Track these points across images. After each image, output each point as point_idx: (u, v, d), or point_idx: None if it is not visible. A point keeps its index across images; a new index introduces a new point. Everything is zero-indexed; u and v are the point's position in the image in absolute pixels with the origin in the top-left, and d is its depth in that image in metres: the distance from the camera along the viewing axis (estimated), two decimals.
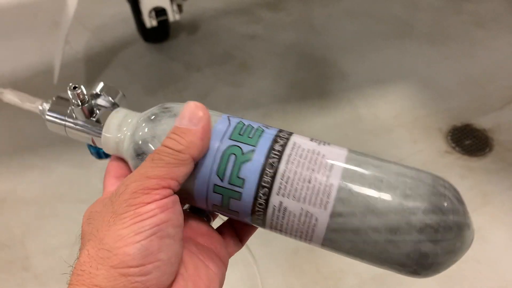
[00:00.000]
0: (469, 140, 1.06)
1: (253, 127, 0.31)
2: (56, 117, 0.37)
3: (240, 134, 0.30)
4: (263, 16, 1.41)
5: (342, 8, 1.43)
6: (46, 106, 0.37)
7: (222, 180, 0.29)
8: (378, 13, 1.40)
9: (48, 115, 0.37)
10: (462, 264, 0.84)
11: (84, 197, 0.98)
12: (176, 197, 0.27)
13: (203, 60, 1.28)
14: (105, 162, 1.01)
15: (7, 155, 1.07)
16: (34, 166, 1.04)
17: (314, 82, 1.21)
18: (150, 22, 1.16)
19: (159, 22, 1.19)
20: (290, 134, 0.32)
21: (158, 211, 0.26)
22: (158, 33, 1.29)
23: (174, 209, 0.27)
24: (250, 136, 0.30)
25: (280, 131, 0.32)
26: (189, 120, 0.29)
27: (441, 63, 1.23)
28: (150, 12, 1.14)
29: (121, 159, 0.34)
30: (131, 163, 0.32)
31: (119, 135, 0.33)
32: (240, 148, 0.30)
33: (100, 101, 0.37)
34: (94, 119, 0.36)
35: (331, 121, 1.10)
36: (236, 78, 1.23)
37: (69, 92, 0.35)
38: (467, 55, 1.25)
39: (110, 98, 0.37)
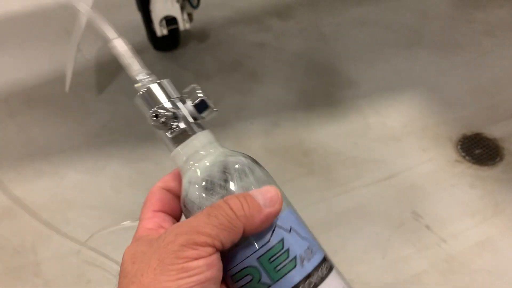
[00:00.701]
0: (479, 149, 1.05)
1: (288, 256, 0.30)
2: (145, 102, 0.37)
3: (269, 261, 0.30)
4: (272, 24, 1.42)
5: (351, 17, 1.44)
6: (145, 83, 0.37)
7: (234, 282, 0.30)
8: (387, 21, 1.40)
9: (140, 94, 0.37)
10: (473, 274, 0.84)
11: (95, 204, 0.98)
12: (219, 255, 0.28)
13: (212, 68, 1.29)
14: (116, 168, 1.00)
15: (19, 161, 1.08)
16: (45, 173, 1.05)
17: (323, 90, 1.21)
18: (161, 30, 1.18)
19: (169, 31, 1.20)
20: (323, 279, 0.31)
21: (205, 269, 0.26)
22: (168, 41, 1.30)
23: (218, 267, 0.28)
24: (277, 267, 0.30)
25: (314, 272, 0.30)
26: (264, 198, 0.30)
27: (450, 71, 1.23)
28: (161, 21, 1.16)
29: (164, 190, 0.35)
30: (190, 187, 0.32)
31: (202, 151, 0.33)
32: (260, 274, 0.30)
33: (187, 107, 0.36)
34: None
35: (340, 130, 1.10)
36: (245, 86, 1.23)
37: (152, 122, 0.35)
38: (477, 63, 1.24)
39: (196, 111, 0.36)
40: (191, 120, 0.34)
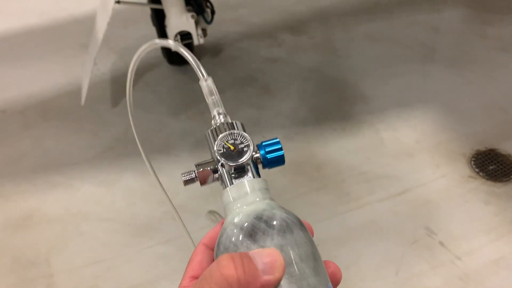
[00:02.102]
0: (493, 165, 1.04)
1: None
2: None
3: None
4: (285, 39, 1.43)
5: (364, 32, 1.44)
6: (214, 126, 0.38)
7: None
8: (399, 37, 1.41)
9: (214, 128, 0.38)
10: None
11: (108, 216, 0.99)
12: None
13: (225, 83, 1.30)
14: (129, 180, 1.00)
15: (34, 173, 1.10)
16: (60, 185, 1.06)
17: (335, 105, 1.22)
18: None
19: (184, 46, 1.21)
20: None
21: None
22: (182, 56, 1.32)
23: None
24: None
25: None
26: (263, 263, 0.28)
27: (464, 87, 1.23)
28: (175, 36, 1.17)
29: (207, 250, 0.35)
30: (223, 231, 0.32)
31: (248, 198, 0.33)
32: None
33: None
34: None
35: (353, 144, 1.10)
36: (258, 100, 1.24)
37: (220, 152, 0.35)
38: (490, 79, 1.24)
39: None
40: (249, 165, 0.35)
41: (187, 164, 1.09)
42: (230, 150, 0.35)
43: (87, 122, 1.22)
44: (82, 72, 1.23)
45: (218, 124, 0.37)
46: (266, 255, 0.28)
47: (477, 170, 1.03)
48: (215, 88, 0.38)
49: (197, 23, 1.17)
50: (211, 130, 0.37)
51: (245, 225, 0.31)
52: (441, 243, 0.90)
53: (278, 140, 0.37)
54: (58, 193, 1.05)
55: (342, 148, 1.09)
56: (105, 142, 1.16)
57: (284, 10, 1.57)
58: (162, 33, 1.23)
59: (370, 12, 1.50)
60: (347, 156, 1.07)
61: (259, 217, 0.31)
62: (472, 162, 1.05)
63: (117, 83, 1.33)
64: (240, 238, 0.30)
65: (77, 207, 1.02)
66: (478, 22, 1.41)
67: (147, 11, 1.32)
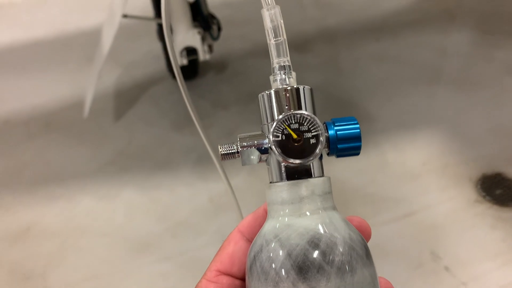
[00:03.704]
0: (500, 190, 1.03)
1: None
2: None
3: None
4: (290, 57, 1.43)
5: (370, 52, 1.44)
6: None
7: None
8: (406, 58, 1.41)
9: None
10: None
11: (108, 231, 0.97)
12: None
13: (230, 99, 1.29)
14: (130, 195, 0.98)
15: (35, 185, 1.09)
16: (60, 197, 1.05)
17: None
18: (181, 60, 1.19)
19: (189, 61, 1.21)
20: None
21: None
22: (188, 71, 1.31)
23: None
24: None
25: None
26: None
27: (470, 110, 1.22)
28: (181, 51, 1.17)
29: (243, 239, 0.30)
30: (263, 249, 0.26)
31: (307, 203, 0.27)
32: None
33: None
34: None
35: (358, 165, 1.09)
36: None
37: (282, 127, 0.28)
38: (497, 102, 1.23)
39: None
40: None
41: (189, 180, 1.08)
42: (292, 138, 0.27)
43: (90, 135, 1.21)
44: (86, 84, 1.23)
45: (279, 86, 0.28)
46: None
47: (483, 194, 1.01)
48: (282, 25, 0.29)
49: (203, 39, 1.17)
50: (268, 94, 0.29)
51: (295, 251, 0.24)
52: (447, 268, 0.88)
53: (354, 117, 0.29)
54: (58, 206, 1.03)
55: (347, 168, 1.08)
56: (107, 156, 1.15)
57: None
58: None
59: (377, 32, 1.50)
60: (352, 177, 1.06)
61: (315, 244, 0.24)
62: (479, 186, 1.03)
63: (120, 96, 1.33)
64: (285, 269, 0.24)
65: (76, 221, 1.00)
66: (485, 45, 1.40)
67: (153, 26, 1.32)
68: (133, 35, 1.53)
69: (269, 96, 0.29)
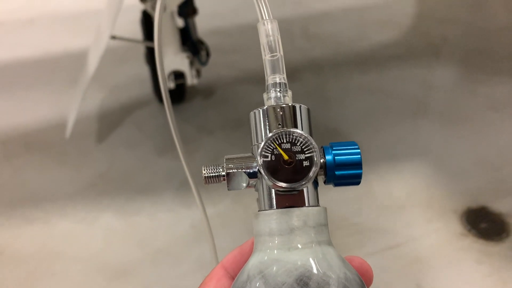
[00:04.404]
0: (485, 223, 1.02)
1: None
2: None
3: None
4: None
5: (356, 83, 1.45)
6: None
7: None
8: (392, 90, 1.42)
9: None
10: None
11: (84, 257, 0.94)
12: None
13: (216, 125, 1.28)
14: (109, 220, 0.95)
15: (9, 206, 1.05)
16: (36, 220, 1.01)
17: None
18: (169, 84, 1.18)
19: (176, 85, 1.20)
20: None
21: None
22: (174, 95, 1.30)
23: None
24: None
25: None
26: None
27: (456, 143, 1.22)
28: (169, 75, 1.16)
29: (226, 276, 0.28)
30: (259, 284, 0.23)
31: (298, 236, 0.24)
32: None
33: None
34: None
35: (343, 195, 1.07)
36: (247, 144, 1.22)
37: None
38: (482, 137, 1.24)
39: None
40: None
41: (171, 206, 1.05)
42: (283, 160, 0.24)
43: (70, 157, 1.18)
44: (70, 105, 1.21)
45: (273, 104, 0.24)
46: None
47: (469, 227, 1.01)
48: (279, 39, 0.25)
49: (192, 64, 1.16)
50: (260, 111, 0.25)
51: None
52: None
53: (354, 142, 0.24)
54: (33, 228, 1.00)
55: (333, 198, 1.07)
56: (87, 179, 1.12)
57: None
58: (155, 72, 1.22)
59: (364, 64, 1.52)
60: (337, 206, 1.04)
61: (304, 283, 0.21)
62: (464, 219, 1.02)
63: (104, 119, 1.31)
64: None
65: (52, 245, 0.96)
66: (470, 80, 1.42)
67: (140, 50, 1.32)
68: (119, 58, 1.52)
69: (261, 113, 0.26)
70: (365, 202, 1.06)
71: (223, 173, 0.26)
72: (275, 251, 0.23)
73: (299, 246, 0.23)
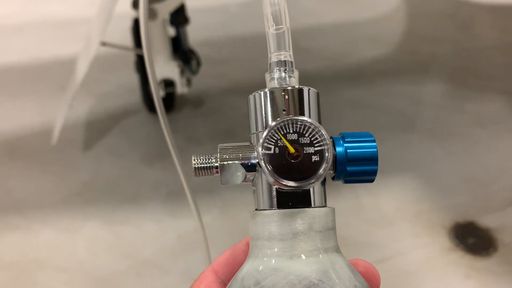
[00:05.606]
0: (472, 239, 1.02)
1: None
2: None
3: None
4: None
5: (346, 98, 1.46)
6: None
7: None
8: (381, 105, 1.42)
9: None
10: None
11: (67, 266, 0.91)
12: None
13: (205, 135, 1.27)
14: (94, 229, 0.92)
15: None
16: (19, 228, 0.99)
17: None
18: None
19: (166, 94, 1.19)
20: None
21: None
22: (164, 104, 1.29)
23: None
24: None
25: None
26: None
27: (444, 159, 1.23)
28: (159, 83, 1.15)
29: (216, 281, 0.25)
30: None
31: (302, 242, 0.21)
32: None
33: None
34: None
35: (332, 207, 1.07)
36: None
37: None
38: (469, 153, 1.25)
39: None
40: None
41: (157, 216, 1.04)
42: (288, 153, 0.20)
43: (55, 165, 1.16)
44: (57, 111, 1.19)
45: (276, 86, 0.20)
46: None
47: (457, 242, 1.01)
48: (286, 10, 0.21)
49: (182, 72, 1.16)
50: (261, 94, 0.20)
51: None
52: None
53: (369, 133, 0.20)
54: (15, 236, 0.97)
55: None
56: (72, 187, 1.10)
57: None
58: (145, 80, 1.21)
59: (353, 80, 1.52)
60: None
61: None
62: (452, 234, 1.02)
63: (92, 127, 1.29)
64: None
65: (34, 253, 0.94)
66: (457, 97, 1.44)
67: (129, 58, 1.31)
68: (108, 66, 1.51)
69: (263, 96, 0.21)
70: (353, 216, 1.05)
71: (216, 164, 0.21)
72: (274, 259, 0.20)
73: (303, 255, 0.20)
